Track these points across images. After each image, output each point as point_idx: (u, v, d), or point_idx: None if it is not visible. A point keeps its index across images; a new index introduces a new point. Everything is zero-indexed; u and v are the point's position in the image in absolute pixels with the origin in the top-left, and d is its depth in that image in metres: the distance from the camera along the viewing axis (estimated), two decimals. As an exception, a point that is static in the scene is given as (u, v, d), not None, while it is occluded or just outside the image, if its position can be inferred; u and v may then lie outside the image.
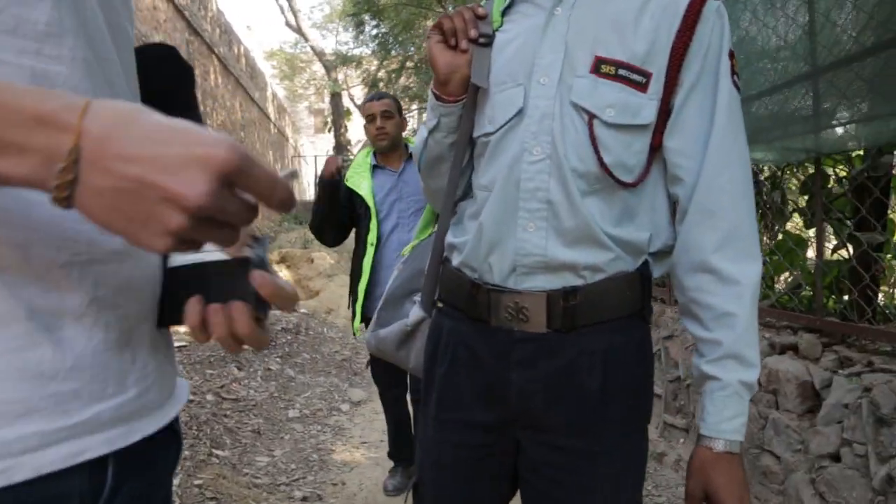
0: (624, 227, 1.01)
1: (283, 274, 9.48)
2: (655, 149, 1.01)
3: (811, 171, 3.03)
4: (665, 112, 1.00)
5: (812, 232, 3.09)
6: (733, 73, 0.99)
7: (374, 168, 2.81)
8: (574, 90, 0.98)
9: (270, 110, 17.55)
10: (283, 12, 19.55)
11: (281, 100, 20.71)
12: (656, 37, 0.98)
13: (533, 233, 0.99)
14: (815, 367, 2.33)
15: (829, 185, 3.26)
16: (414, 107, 14.42)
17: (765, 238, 3.66)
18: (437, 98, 1.10)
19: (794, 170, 3.56)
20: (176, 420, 0.67)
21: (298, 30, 19.53)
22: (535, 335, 1.00)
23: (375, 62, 13.94)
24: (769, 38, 2.93)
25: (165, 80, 0.77)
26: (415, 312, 1.20)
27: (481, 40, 1.07)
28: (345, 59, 14.17)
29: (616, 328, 1.01)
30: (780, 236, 3.55)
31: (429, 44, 1.09)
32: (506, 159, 1.02)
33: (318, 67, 22.14)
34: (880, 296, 3.17)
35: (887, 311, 2.63)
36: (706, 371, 0.98)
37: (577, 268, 0.99)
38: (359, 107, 3.17)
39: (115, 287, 0.55)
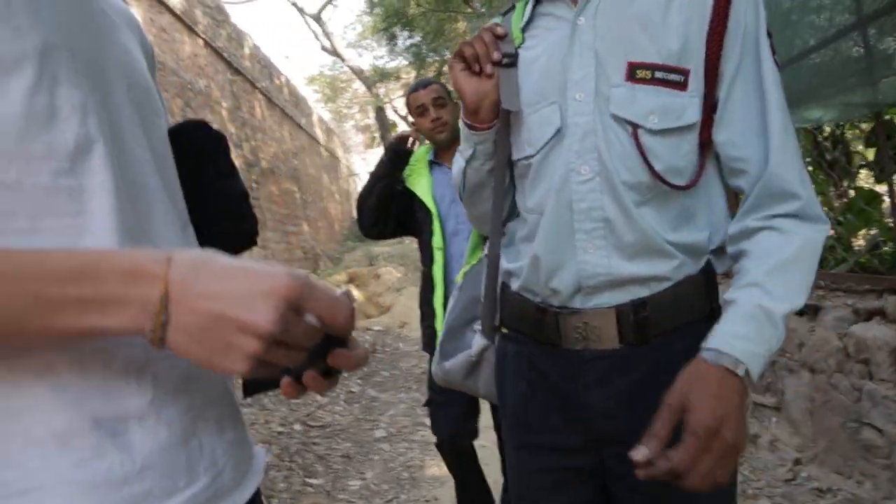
0: (683, 231, 0.98)
1: (353, 293, 9.66)
2: (705, 145, 0.98)
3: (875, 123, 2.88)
4: (710, 107, 0.96)
5: (884, 187, 2.93)
6: (773, 51, 0.95)
7: (432, 165, 2.41)
8: (612, 101, 0.95)
9: (318, 134, 17.91)
10: (317, 37, 19.89)
11: (327, 122, 21.13)
12: (688, 31, 0.94)
13: (594, 253, 0.97)
14: (907, 331, 2.21)
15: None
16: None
17: (833, 199, 3.50)
18: (470, 127, 1.08)
19: (856, 124, 3.38)
20: (257, 493, 0.70)
21: (334, 52, 19.85)
22: (606, 352, 0.98)
23: (413, 72, 14.06)
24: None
25: (199, 152, 0.80)
26: (477, 342, 1.18)
27: (505, 61, 1.04)
28: (383, 74, 14.34)
29: (689, 333, 0.97)
30: (851, 193, 3.39)
31: (453, 74, 1.06)
32: (553, 181, 0.99)
33: (358, 85, 22.44)
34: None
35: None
36: (726, 298, 0.92)
37: (642, 279, 0.96)
38: (406, 103, 2.70)
39: (175, 382, 0.58)
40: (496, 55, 1.02)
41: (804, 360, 2.74)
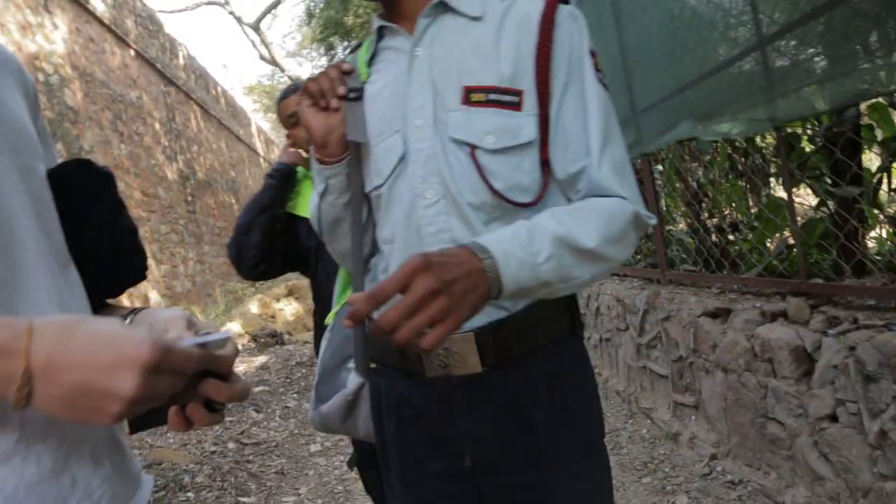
0: None
1: (292, 306, 9.57)
2: (547, 162, 1.00)
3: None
4: (547, 125, 0.99)
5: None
6: (597, 69, 0.99)
7: None
8: (450, 125, 0.97)
9: (258, 145, 17.66)
10: (255, 47, 19.69)
11: (267, 133, 20.84)
12: (519, 54, 0.98)
13: None
14: (806, 331, 2.36)
15: (802, 145, 3.30)
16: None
17: (745, 207, 3.70)
18: (320, 161, 1.08)
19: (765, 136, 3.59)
20: None
21: (273, 61, 19.66)
22: (471, 377, 0.97)
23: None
24: (716, 12, 2.98)
25: (84, 191, 0.81)
26: (352, 380, 1.17)
27: (351, 95, 1.06)
28: (322, 84, 14.28)
29: (552, 352, 1.00)
30: (764, 200, 3.59)
31: (300, 110, 1.06)
32: (401, 209, 1.00)
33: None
34: (871, 244, 3.20)
35: (877, 260, 2.65)
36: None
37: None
38: (277, 113, 2.26)
39: (45, 420, 0.59)
40: (341, 90, 1.05)
41: (718, 360, 2.88)
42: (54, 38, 6.73)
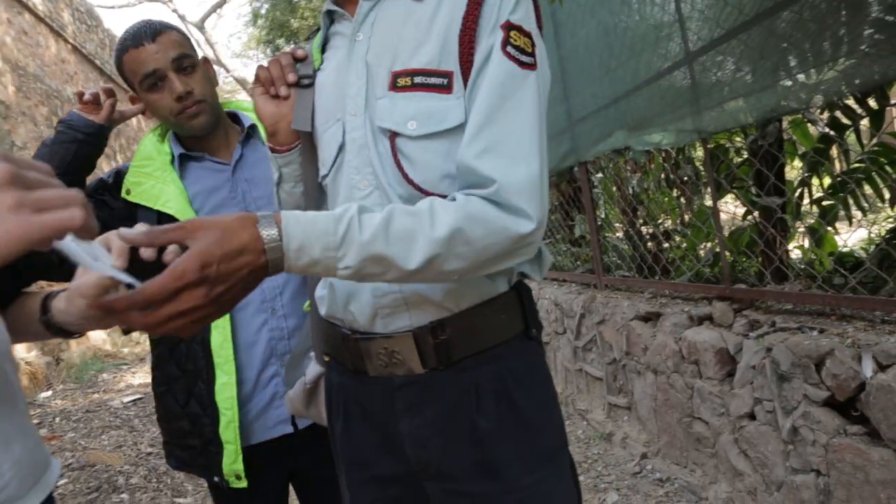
0: None
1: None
2: None
3: (711, 145, 3.21)
4: None
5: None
6: (507, 44, 0.87)
7: (185, 160, 1.47)
8: (377, 113, 0.92)
9: (201, 146, 17.33)
10: (199, 46, 19.27)
11: (211, 133, 20.45)
12: (448, 33, 0.90)
13: None
14: (729, 334, 2.48)
15: (730, 156, 3.46)
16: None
17: (678, 215, 3.84)
18: (272, 150, 1.07)
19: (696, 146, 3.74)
20: (49, 499, 0.74)
21: (218, 61, 19.29)
22: (414, 378, 0.94)
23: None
24: (647, 27, 3.11)
25: None
26: (311, 369, 1.15)
27: (304, 82, 1.03)
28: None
29: (499, 355, 0.94)
30: (695, 208, 3.74)
31: (252, 97, 1.05)
32: (341, 200, 0.97)
33: (243, 95, 21.90)
34: (795, 253, 3.37)
35: (798, 268, 2.80)
36: None
37: (437, 299, 0.92)
38: (118, 69, 1.38)
39: None
40: (291, 77, 1.03)
41: (648, 362, 2.99)
42: (-17, 29, 6.47)
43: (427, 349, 0.92)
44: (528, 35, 0.89)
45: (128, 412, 4.98)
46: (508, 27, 0.88)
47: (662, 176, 3.89)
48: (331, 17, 1.06)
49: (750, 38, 2.35)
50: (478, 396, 0.92)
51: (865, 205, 2.86)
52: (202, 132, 1.42)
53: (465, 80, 0.89)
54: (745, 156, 3.17)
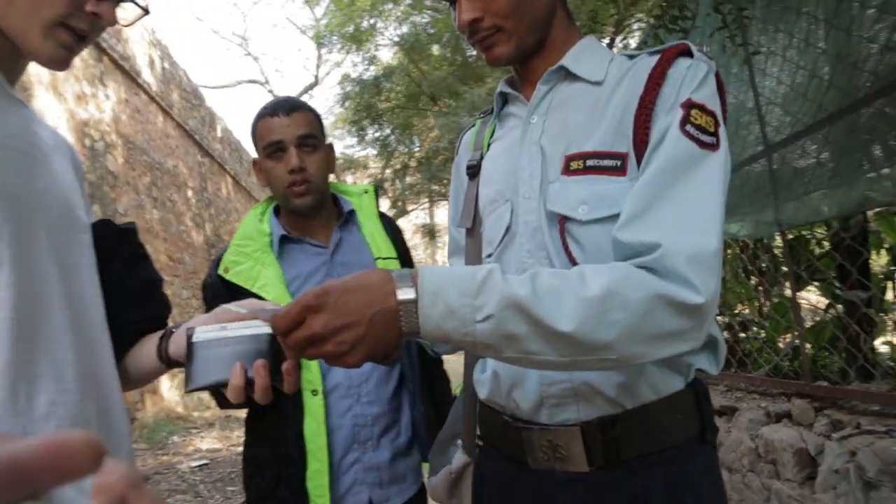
0: None
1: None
2: None
3: (791, 236, 3.14)
4: None
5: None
6: (687, 122, 0.81)
7: (284, 242, 1.45)
8: (549, 198, 0.90)
9: (284, 217, 18.10)
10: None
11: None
12: (624, 114, 0.87)
13: None
14: (809, 434, 2.36)
15: (810, 247, 3.37)
16: (424, 200, 14.90)
17: (755, 306, 3.73)
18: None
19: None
20: None
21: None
22: (578, 475, 0.87)
23: (381, 161, 14.53)
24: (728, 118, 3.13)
25: (104, 246, 0.89)
26: (458, 458, 1.11)
27: (468, 172, 1.07)
28: (351, 163, 14.77)
29: (673, 458, 0.86)
30: (775, 300, 3.63)
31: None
32: None
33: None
34: (883, 348, 3.20)
35: (886, 365, 2.66)
36: None
37: (608, 393, 0.86)
38: (252, 134, 1.44)
39: None
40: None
41: (723, 459, 2.86)
42: (105, 107, 7.14)
43: (595, 446, 0.86)
44: (711, 114, 0.83)
45: (194, 476, 5.04)
46: (689, 105, 0.82)
47: (740, 266, 3.82)
48: (504, 98, 1.06)
49: (832, 133, 2.35)
50: (646, 501, 0.85)
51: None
52: (305, 211, 1.42)
53: (640, 163, 0.84)
54: (827, 247, 3.09)
